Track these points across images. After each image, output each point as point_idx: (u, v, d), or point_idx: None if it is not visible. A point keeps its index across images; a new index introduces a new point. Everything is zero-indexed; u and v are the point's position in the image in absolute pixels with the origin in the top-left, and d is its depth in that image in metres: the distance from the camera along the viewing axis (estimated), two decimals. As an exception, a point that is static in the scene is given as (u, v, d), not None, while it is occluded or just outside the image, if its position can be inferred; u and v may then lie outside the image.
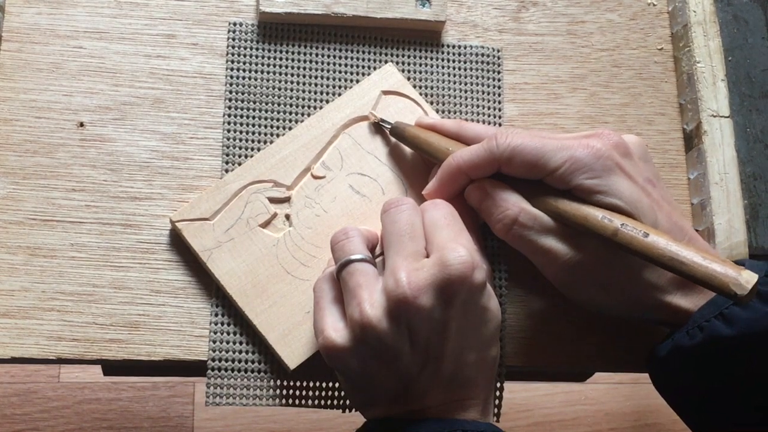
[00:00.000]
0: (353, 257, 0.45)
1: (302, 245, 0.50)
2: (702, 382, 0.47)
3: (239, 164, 0.52)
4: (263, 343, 0.49)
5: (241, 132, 0.53)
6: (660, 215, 0.47)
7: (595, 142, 0.46)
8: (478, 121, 0.56)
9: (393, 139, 0.53)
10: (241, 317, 0.49)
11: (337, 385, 0.50)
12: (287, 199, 0.51)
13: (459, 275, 0.42)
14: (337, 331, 0.44)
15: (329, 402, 0.50)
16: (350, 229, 0.47)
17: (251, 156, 0.52)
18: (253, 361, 0.49)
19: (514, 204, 0.47)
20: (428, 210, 0.46)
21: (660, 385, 0.50)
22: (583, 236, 0.46)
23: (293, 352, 0.48)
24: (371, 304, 0.43)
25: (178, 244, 0.51)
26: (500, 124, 0.56)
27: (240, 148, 0.53)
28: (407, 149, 0.53)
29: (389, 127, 0.52)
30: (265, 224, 0.50)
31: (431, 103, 0.56)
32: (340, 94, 0.55)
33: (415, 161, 0.53)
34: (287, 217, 0.51)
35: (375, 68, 0.56)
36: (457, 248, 0.43)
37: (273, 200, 0.51)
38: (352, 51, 0.56)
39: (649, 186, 0.48)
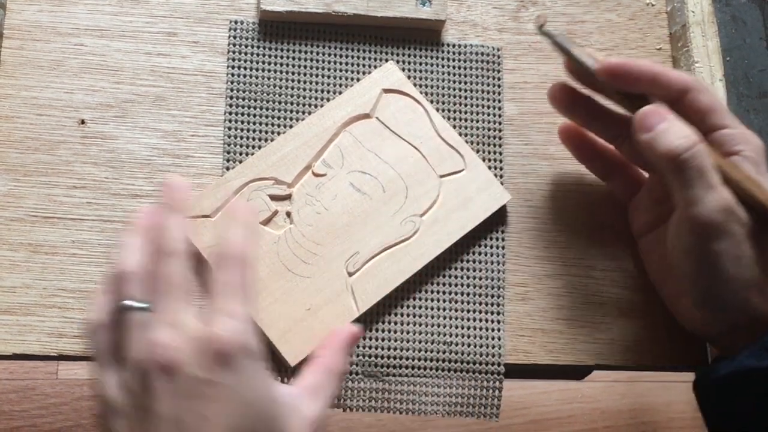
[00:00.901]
0: (132, 304, 0.42)
1: (303, 242, 0.50)
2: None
3: (240, 162, 0.52)
4: (264, 340, 0.49)
5: (241, 130, 0.54)
6: None
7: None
8: (478, 121, 0.56)
9: (395, 139, 0.53)
10: None
11: (336, 382, 0.50)
12: (288, 197, 0.51)
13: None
14: None
15: (329, 399, 0.50)
16: (130, 268, 0.43)
17: (252, 154, 0.53)
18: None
19: (694, 131, 0.47)
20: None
21: (711, 410, 0.47)
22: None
23: (294, 348, 0.48)
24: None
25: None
26: (501, 123, 0.56)
27: (241, 146, 0.53)
28: (408, 147, 0.53)
29: (555, 37, 0.51)
30: (266, 221, 0.51)
31: (431, 102, 0.56)
32: (340, 93, 0.55)
33: (416, 160, 0.53)
34: (288, 214, 0.51)
35: (375, 67, 0.56)
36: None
37: (274, 197, 0.51)
38: (352, 49, 0.56)
39: None
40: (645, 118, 0.47)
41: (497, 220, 0.54)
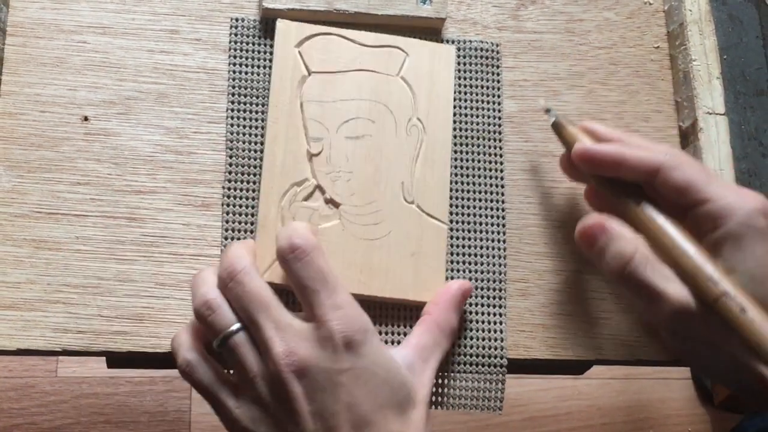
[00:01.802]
0: (229, 331, 0.44)
1: (360, 211, 0.51)
2: None
3: (242, 158, 0.53)
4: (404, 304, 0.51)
5: (244, 127, 0.54)
6: None
7: (755, 198, 0.44)
8: (478, 117, 0.56)
9: (342, 76, 0.54)
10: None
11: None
12: (317, 188, 0.52)
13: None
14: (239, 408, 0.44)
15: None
16: (211, 300, 0.44)
17: (254, 150, 0.53)
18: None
19: (630, 243, 0.44)
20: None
21: None
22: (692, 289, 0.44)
23: (430, 292, 0.50)
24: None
25: (184, 237, 0.51)
26: (500, 120, 0.57)
27: (243, 142, 0.53)
28: (355, 74, 0.54)
29: (553, 120, 0.52)
30: (320, 220, 0.51)
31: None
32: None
33: (369, 77, 0.54)
34: (328, 201, 0.51)
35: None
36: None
37: (307, 198, 0.51)
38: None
39: None
40: (583, 235, 0.46)
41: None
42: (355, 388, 0.41)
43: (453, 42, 0.58)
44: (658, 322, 0.46)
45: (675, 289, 0.44)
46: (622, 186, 0.48)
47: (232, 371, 0.46)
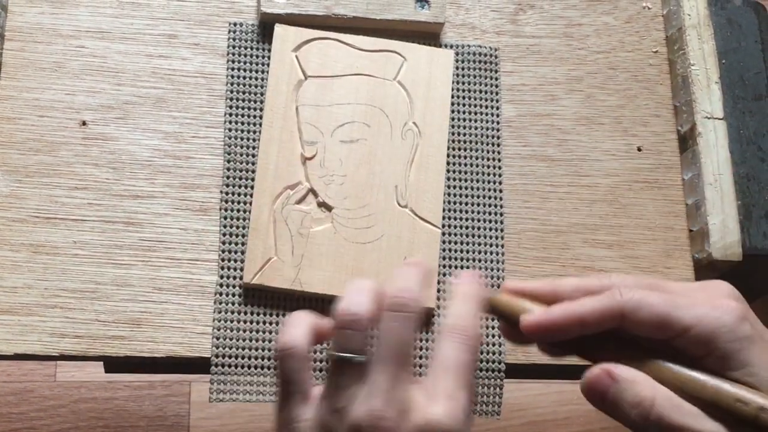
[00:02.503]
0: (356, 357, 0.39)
1: (352, 215, 0.51)
2: None
3: (240, 162, 0.53)
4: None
5: (242, 131, 0.54)
6: None
7: (727, 300, 0.41)
8: (476, 122, 0.56)
9: (339, 81, 0.54)
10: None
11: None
12: (310, 191, 0.52)
13: None
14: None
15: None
16: (362, 317, 0.40)
17: (252, 155, 0.53)
18: (256, 357, 0.50)
19: (646, 386, 0.40)
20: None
21: None
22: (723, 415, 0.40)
23: (426, 294, 0.48)
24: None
25: (182, 242, 0.51)
26: (499, 123, 0.57)
27: (241, 146, 0.53)
28: (352, 78, 0.54)
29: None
30: (312, 224, 0.51)
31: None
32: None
33: (366, 82, 0.54)
34: (320, 204, 0.51)
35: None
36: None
37: (300, 201, 0.51)
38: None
39: None
40: (590, 389, 0.41)
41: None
42: None
43: (452, 47, 0.58)
44: None
45: (710, 426, 0.40)
46: (589, 341, 0.42)
47: (320, 384, 0.42)
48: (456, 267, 0.53)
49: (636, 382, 0.40)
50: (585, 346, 0.42)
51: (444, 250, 0.53)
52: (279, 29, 0.55)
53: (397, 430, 0.38)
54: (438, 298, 0.52)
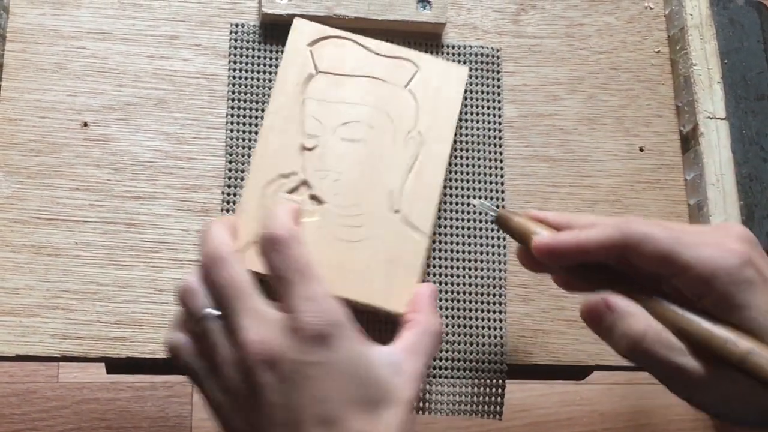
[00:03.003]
0: (202, 314, 0.43)
1: (342, 212, 0.51)
2: None
3: (242, 163, 0.53)
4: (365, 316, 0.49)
5: (243, 132, 0.54)
6: None
7: (732, 242, 0.42)
8: (478, 122, 0.56)
9: (349, 80, 0.54)
10: None
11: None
12: (304, 183, 0.51)
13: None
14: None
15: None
16: (189, 285, 0.43)
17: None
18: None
19: (639, 319, 0.42)
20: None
21: None
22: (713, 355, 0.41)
23: (399, 299, 0.49)
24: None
25: (184, 243, 0.51)
26: (501, 123, 0.57)
27: (243, 147, 0.53)
28: (362, 80, 0.54)
29: (493, 216, 0.48)
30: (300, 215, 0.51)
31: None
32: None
33: (377, 86, 0.54)
34: (312, 197, 0.51)
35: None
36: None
37: (292, 191, 0.51)
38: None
39: None
40: (588, 314, 0.44)
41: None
42: (324, 383, 0.40)
43: (453, 47, 0.58)
44: (684, 395, 0.43)
45: (693, 364, 0.41)
46: (594, 271, 0.44)
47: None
48: (456, 267, 0.53)
49: (630, 314, 0.42)
50: (591, 277, 0.44)
51: (444, 251, 0.53)
52: (297, 22, 0.55)
53: (273, 345, 0.40)
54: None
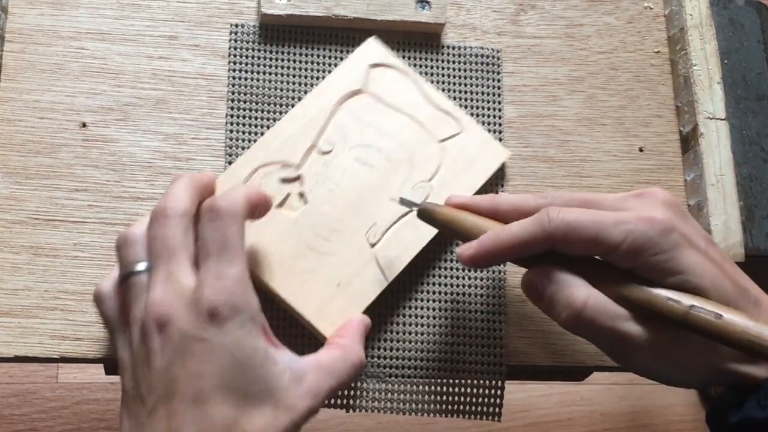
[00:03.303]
0: (130, 269, 0.43)
1: (321, 221, 0.51)
2: None
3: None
4: (296, 323, 0.49)
5: (243, 133, 0.54)
6: (726, 283, 0.43)
7: (655, 211, 0.42)
8: (478, 122, 0.56)
9: (390, 111, 0.53)
10: (269, 301, 0.49)
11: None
12: (298, 178, 0.51)
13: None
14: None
15: (331, 401, 0.50)
16: (130, 234, 0.44)
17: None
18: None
19: (580, 289, 0.42)
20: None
21: None
22: (655, 318, 0.42)
23: (333, 324, 0.48)
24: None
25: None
26: (500, 124, 0.57)
27: (242, 148, 0.53)
28: (403, 117, 0.53)
29: (416, 209, 0.48)
30: (281, 205, 0.50)
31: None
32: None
33: (414, 128, 0.53)
34: (301, 195, 0.51)
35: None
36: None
37: (285, 180, 0.51)
38: (352, 52, 0.56)
39: (710, 249, 0.43)
40: (528, 287, 0.45)
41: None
42: (205, 362, 0.40)
43: (453, 47, 0.58)
44: (627, 362, 0.44)
45: (636, 329, 0.42)
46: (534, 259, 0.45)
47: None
48: (458, 268, 0.53)
49: (570, 284, 0.43)
50: (528, 262, 0.45)
51: (444, 251, 0.53)
52: (373, 41, 0.55)
53: (169, 309, 0.40)
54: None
